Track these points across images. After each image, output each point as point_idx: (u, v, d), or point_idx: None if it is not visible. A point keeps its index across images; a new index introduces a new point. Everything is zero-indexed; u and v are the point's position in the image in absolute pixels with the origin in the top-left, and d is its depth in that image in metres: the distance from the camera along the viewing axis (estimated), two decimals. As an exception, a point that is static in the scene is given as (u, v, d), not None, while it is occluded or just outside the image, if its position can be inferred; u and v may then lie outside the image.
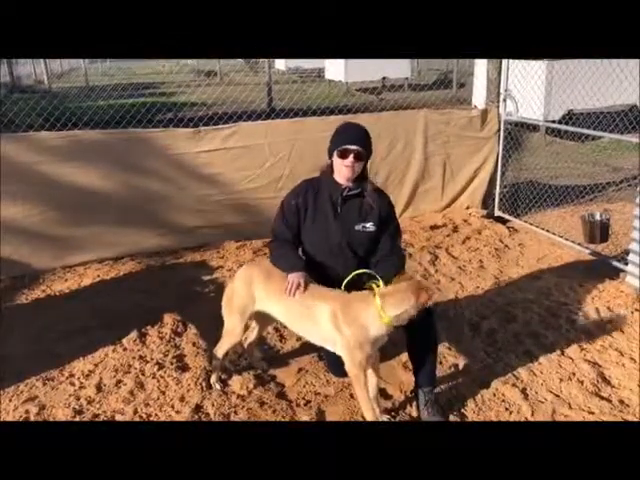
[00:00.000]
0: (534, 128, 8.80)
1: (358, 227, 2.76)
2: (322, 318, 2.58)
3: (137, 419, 2.77)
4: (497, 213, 5.76)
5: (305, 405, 2.90)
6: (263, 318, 3.03)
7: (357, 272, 2.65)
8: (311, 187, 2.85)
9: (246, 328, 2.95)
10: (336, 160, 2.74)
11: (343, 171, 2.73)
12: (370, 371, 2.67)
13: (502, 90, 5.49)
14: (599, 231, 4.92)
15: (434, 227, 5.37)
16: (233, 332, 2.89)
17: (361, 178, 2.80)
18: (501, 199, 5.78)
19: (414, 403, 2.84)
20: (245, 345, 3.18)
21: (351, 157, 2.68)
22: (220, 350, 2.97)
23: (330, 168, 2.82)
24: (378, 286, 2.56)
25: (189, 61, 19.02)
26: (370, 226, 2.77)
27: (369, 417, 2.62)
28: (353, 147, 2.68)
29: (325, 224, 2.78)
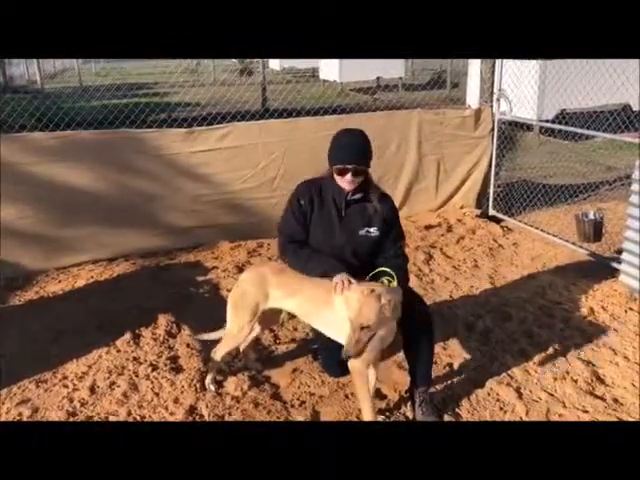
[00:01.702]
0: (528, 127, 8.82)
1: (362, 232, 2.75)
2: (338, 303, 2.56)
3: (131, 421, 2.75)
4: (491, 212, 5.77)
5: (300, 406, 2.89)
6: (268, 319, 3.04)
7: (378, 269, 2.64)
8: (314, 188, 2.83)
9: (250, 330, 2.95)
10: (335, 174, 2.73)
11: (344, 186, 2.74)
12: (371, 370, 2.67)
13: (496, 90, 5.50)
14: (593, 230, 4.95)
15: (428, 227, 5.37)
16: (239, 334, 2.87)
17: (364, 182, 2.78)
18: (495, 198, 5.79)
19: (409, 403, 2.84)
20: (242, 347, 3.17)
21: (349, 175, 2.68)
22: (220, 352, 2.95)
23: (332, 173, 2.79)
24: (390, 282, 2.56)
25: (188, 60, 18.94)
26: (374, 231, 2.76)
27: (368, 416, 2.59)
28: (350, 166, 2.67)
29: (330, 227, 2.78)
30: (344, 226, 2.77)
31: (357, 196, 2.77)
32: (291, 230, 2.81)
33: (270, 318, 3.10)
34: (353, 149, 2.70)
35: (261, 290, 2.80)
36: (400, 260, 2.79)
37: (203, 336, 3.20)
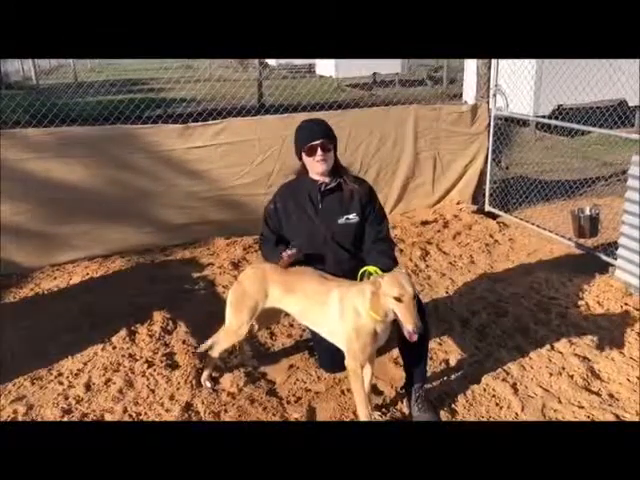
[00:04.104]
0: (524, 123, 8.82)
1: (341, 220, 2.78)
2: (332, 303, 2.58)
3: (126, 418, 2.75)
4: (487, 208, 5.77)
5: (296, 402, 2.89)
6: (267, 316, 3.04)
7: (365, 269, 2.62)
8: (289, 190, 2.90)
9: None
10: (306, 159, 2.79)
11: (317, 167, 2.77)
12: (367, 365, 2.67)
13: (492, 85, 5.49)
14: (589, 226, 4.95)
15: (425, 223, 5.36)
16: (238, 331, 2.87)
17: (336, 170, 2.82)
18: (491, 194, 5.79)
19: (405, 399, 2.84)
20: (237, 343, 3.16)
21: (319, 151, 2.72)
22: (217, 349, 2.95)
23: (304, 168, 2.86)
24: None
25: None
26: (353, 217, 2.78)
27: (363, 415, 2.58)
28: (317, 142, 2.71)
29: (308, 223, 2.80)
30: (322, 218, 2.79)
31: (331, 185, 2.80)
32: (263, 235, 2.97)
33: (269, 316, 3.09)
34: (315, 128, 2.79)
35: (261, 288, 2.80)
36: (384, 244, 2.79)
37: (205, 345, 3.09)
